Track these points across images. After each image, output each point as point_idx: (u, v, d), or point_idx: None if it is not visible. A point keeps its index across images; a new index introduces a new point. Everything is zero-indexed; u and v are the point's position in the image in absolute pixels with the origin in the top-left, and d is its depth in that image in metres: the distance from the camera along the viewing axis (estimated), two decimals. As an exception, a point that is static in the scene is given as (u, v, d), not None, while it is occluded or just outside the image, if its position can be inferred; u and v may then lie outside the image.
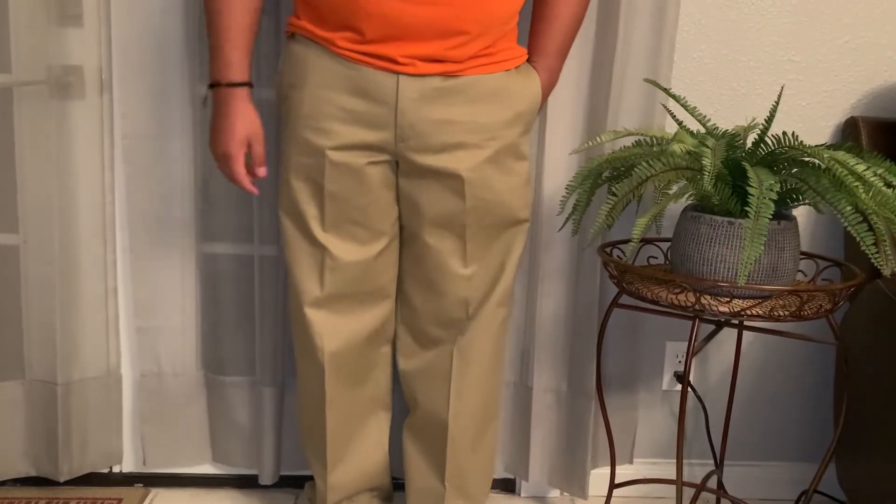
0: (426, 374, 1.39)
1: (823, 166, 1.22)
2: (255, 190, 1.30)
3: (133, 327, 1.61)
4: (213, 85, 1.26)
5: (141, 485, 1.68)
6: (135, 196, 1.55)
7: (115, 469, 1.69)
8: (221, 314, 1.61)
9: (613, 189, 1.30)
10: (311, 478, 1.50)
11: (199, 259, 1.59)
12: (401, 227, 1.35)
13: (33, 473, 1.62)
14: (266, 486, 1.67)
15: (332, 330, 1.34)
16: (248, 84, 1.26)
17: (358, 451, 1.44)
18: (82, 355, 1.58)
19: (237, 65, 1.24)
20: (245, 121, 1.25)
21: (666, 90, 1.38)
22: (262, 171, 1.29)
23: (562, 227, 1.52)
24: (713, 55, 1.59)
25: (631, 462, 1.73)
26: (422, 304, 1.37)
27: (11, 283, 1.54)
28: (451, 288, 1.33)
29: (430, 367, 1.39)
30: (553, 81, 1.38)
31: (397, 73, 1.20)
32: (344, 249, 1.30)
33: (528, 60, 1.34)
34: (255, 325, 1.60)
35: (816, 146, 1.23)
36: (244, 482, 1.70)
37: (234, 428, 1.66)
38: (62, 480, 1.60)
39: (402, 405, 1.49)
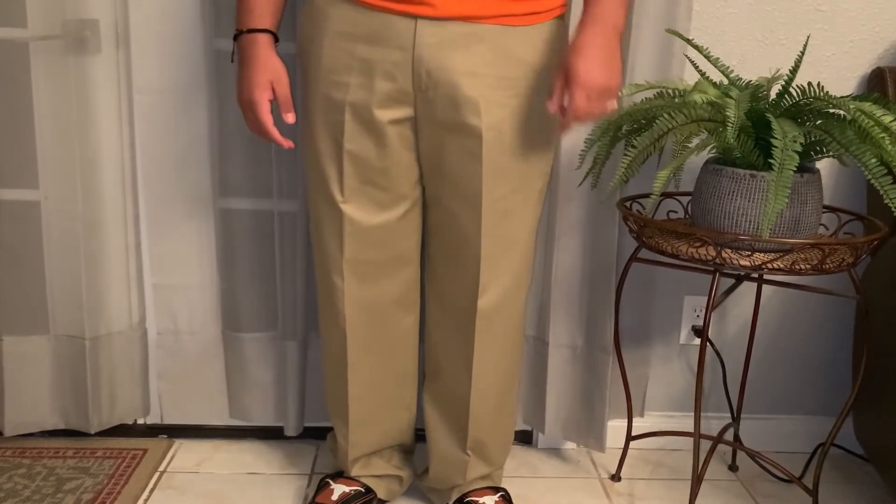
0: (450, 346, 1.38)
1: (849, 118, 1.20)
2: (285, 142, 1.25)
3: (150, 284, 1.63)
4: (237, 36, 1.24)
5: (165, 436, 1.72)
6: (151, 151, 1.55)
7: (140, 421, 1.72)
8: (240, 270, 1.62)
9: (633, 142, 1.28)
10: (332, 429, 1.52)
11: (216, 215, 1.59)
12: (423, 192, 1.32)
13: (62, 426, 1.65)
14: (289, 438, 1.70)
15: (355, 295, 1.32)
16: (271, 33, 1.23)
17: (382, 417, 1.44)
18: (107, 310, 1.60)
19: (259, 13, 1.22)
20: (267, 66, 1.22)
21: (688, 40, 1.36)
22: (289, 118, 1.23)
23: (581, 182, 1.51)
24: (736, 5, 1.55)
25: (642, 415, 1.74)
26: (444, 272, 1.34)
27: (33, 239, 1.55)
28: (470, 258, 1.29)
29: (455, 339, 1.36)
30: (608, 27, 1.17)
31: (415, 16, 1.16)
32: (364, 213, 1.27)
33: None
34: (275, 281, 1.61)
35: (842, 97, 1.21)
36: (267, 433, 1.73)
37: (252, 383, 1.68)
38: (93, 432, 1.63)
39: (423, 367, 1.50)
